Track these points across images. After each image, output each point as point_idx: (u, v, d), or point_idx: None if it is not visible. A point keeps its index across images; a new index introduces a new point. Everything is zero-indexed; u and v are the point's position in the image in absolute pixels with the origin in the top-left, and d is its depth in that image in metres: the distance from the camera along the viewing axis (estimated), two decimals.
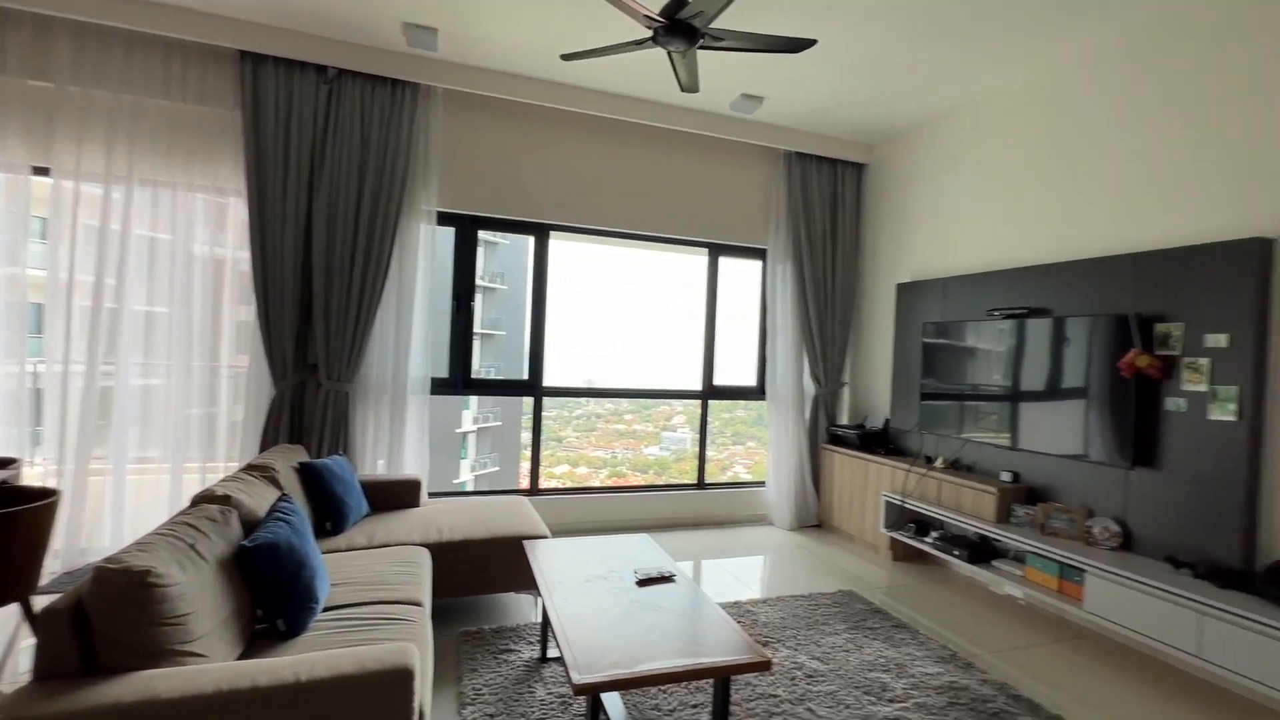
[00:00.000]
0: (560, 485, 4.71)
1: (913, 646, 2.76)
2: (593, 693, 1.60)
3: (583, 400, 6.81)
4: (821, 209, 4.81)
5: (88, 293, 3.29)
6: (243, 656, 1.76)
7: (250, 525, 2.06)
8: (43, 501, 2.24)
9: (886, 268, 4.73)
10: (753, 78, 3.86)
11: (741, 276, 5.03)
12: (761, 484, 4.95)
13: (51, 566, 2.98)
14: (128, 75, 3.31)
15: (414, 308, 3.83)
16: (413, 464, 3.84)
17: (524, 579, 2.90)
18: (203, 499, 2.04)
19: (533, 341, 4.41)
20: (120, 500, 3.36)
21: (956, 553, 3.45)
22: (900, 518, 3.92)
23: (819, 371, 4.80)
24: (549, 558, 2.48)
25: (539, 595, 2.37)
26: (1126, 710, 2.36)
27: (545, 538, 2.87)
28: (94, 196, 3.30)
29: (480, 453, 10.71)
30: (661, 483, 4.95)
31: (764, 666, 1.74)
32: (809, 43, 2.58)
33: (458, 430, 10.15)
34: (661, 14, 2.40)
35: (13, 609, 2.43)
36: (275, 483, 2.53)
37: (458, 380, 4.20)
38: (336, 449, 3.62)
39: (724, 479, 5.31)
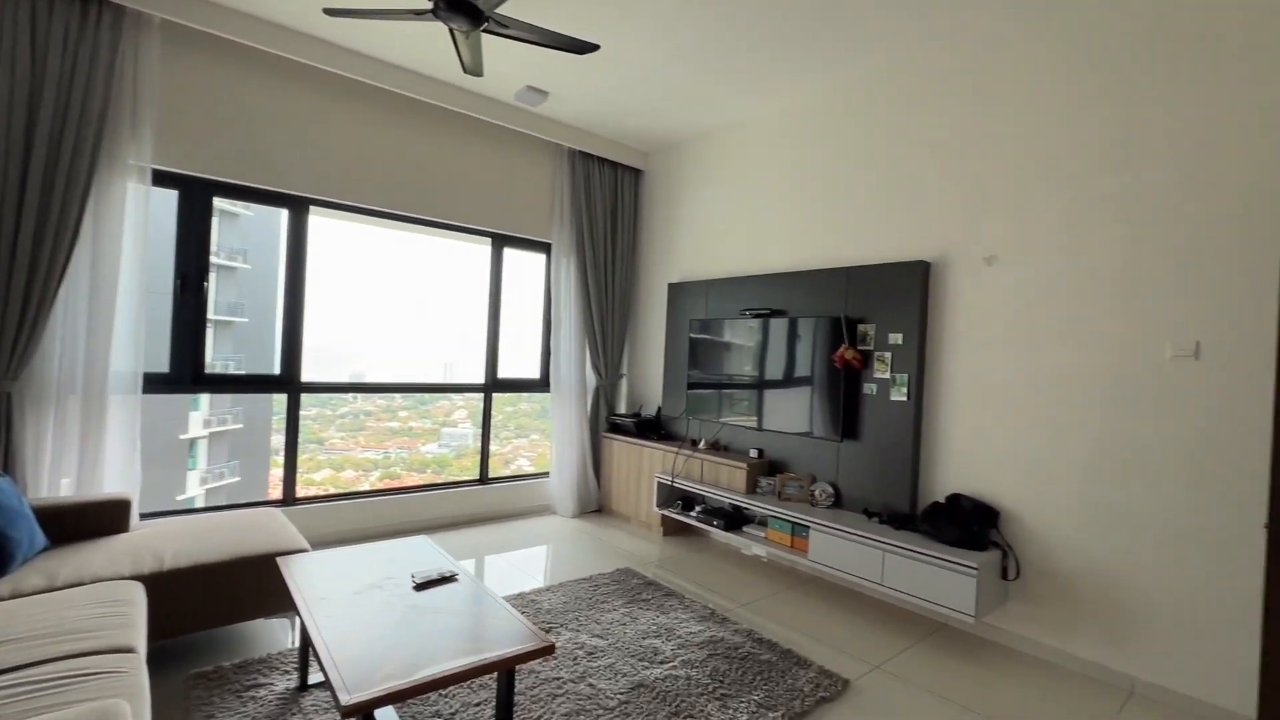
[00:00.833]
0: (322, 492, 4.21)
1: (680, 611, 3.07)
2: (364, 712, 1.48)
3: (348, 396, 6.15)
4: (604, 208, 5.03)
5: None
6: None
7: None
8: None
9: (660, 268, 5.14)
10: (539, 71, 3.86)
11: (525, 268, 5.02)
12: (545, 475, 5.03)
13: None
14: None
15: (118, 286, 3.07)
16: (117, 480, 3.10)
17: (280, 601, 2.55)
18: None
19: (287, 331, 3.86)
20: None
21: (715, 523, 3.91)
22: (670, 496, 4.32)
23: (600, 363, 5.02)
24: (309, 572, 2.22)
25: (298, 615, 2.10)
26: (836, 632, 2.95)
27: (304, 551, 2.57)
28: None
29: (215, 461, 9.03)
30: (442, 480, 4.72)
31: (548, 651, 1.78)
32: (593, 47, 2.68)
33: (183, 436, 8.43)
34: None
35: None
36: None
37: (184, 375, 3.49)
38: None
39: (507, 473, 5.27)
